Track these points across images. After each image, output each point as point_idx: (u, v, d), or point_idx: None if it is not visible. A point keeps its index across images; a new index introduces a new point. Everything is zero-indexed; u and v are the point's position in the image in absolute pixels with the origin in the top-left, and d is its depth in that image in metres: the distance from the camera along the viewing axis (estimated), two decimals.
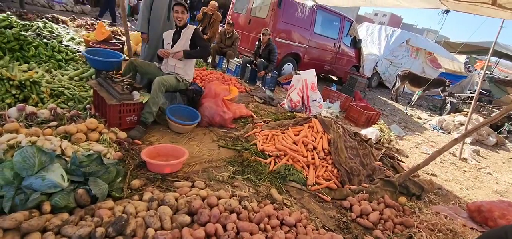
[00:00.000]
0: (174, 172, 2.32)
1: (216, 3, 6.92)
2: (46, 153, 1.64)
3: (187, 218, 1.71)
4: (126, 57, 4.44)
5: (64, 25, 6.69)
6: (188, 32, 3.24)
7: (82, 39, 5.25)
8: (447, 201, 3.14)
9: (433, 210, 2.71)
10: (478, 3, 2.81)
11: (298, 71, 5.49)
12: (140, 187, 2.02)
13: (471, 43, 9.71)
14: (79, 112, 2.75)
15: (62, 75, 3.49)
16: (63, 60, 3.91)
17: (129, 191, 1.95)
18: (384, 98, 9.16)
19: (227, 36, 6.51)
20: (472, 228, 2.54)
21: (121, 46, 4.78)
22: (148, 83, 3.34)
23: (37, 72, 3.20)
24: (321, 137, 3.13)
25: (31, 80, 2.88)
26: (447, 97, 8.66)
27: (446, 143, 3.00)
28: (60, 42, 4.74)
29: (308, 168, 2.83)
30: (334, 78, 9.95)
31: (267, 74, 5.91)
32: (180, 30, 3.27)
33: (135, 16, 12.63)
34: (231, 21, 6.65)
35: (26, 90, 2.81)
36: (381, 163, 3.48)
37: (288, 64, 7.26)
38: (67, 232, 1.39)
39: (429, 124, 7.18)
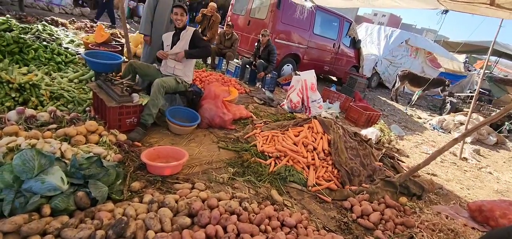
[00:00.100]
0: (174, 174, 2.31)
1: (215, 5, 6.93)
2: (46, 155, 1.64)
3: (188, 220, 1.71)
4: (126, 59, 4.45)
5: (63, 27, 6.69)
6: (187, 34, 3.24)
7: (82, 42, 5.26)
8: (448, 201, 3.13)
9: (434, 210, 2.70)
10: (476, 3, 2.82)
11: (297, 72, 5.49)
12: (140, 189, 2.01)
13: (470, 43, 9.73)
14: (79, 114, 2.75)
15: (62, 78, 3.49)
16: (63, 62, 3.91)
17: (129, 193, 1.94)
18: (384, 99, 9.16)
19: (227, 37, 6.52)
20: (473, 228, 2.53)
21: (120, 48, 4.78)
22: (148, 85, 3.34)
23: (36, 75, 3.20)
24: (321, 138, 3.13)
25: (30, 83, 2.88)
26: (447, 97, 8.66)
27: (447, 142, 3.00)
28: (60, 44, 4.74)
29: (308, 168, 2.83)
30: (334, 78, 9.96)
31: (267, 75, 5.91)
32: (179, 32, 3.27)
33: (134, 18, 12.66)
34: (230, 23, 6.66)
35: (25, 93, 2.81)
36: (381, 163, 3.48)
37: (287, 65, 7.26)
38: (67, 235, 1.39)
39: (429, 124, 7.17)
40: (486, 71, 7.14)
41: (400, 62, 10.54)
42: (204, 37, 6.45)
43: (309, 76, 4.91)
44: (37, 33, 4.88)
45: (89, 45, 4.67)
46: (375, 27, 11.63)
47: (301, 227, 1.94)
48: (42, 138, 2.13)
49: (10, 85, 2.74)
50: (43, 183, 1.54)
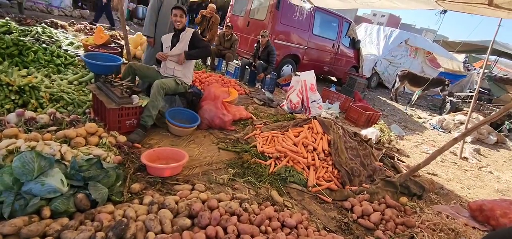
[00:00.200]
0: (174, 175, 2.31)
1: (214, 6, 6.94)
2: (46, 157, 1.64)
3: (188, 221, 1.71)
4: (125, 61, 4.45)
5: (63, 29, 6.70)
6: (187, 35, 3.25)
7: (81, 44, 5.26)
8: (448, 201, 3.13)
9: (434, 210, 2.70)
10: (474, 4, 2.82)
11: (297, 73, 5.50)
12: (140, 191, 2.01)
13: (469, 42, 9.74)
14: (79, 116, 2.75)
15: (61, 80, 3.49)
16: (62, 64, 3.92)
17: (129, 195, 1.94)
18: (383, 98, 9.16)
19: (226, 38, 6.52)
20: (474, 227, 2.53)
21: (120, 50, 4.78)
22: (147, 87, 3.34)
23: (36, 77, 3.20)
24: (321, 138, 3.13)
25: (30, 85, 2.88)
26: (447, 97, 8.67)
27: (447, 142, 3.00)
28: (59, 46, 4.75)
29: (309, 169, 2.83)
30: (334, 79, 9.96)
31: (267, 76, 5.91)
32: (178, 34, 3.27)
33: (134, 20, 12.68)
34: (229, 24, 6.66)
35: (25, 95, 2.81)
36: (381, 163, 3.48)
37: (287, 66, 7.26)
38: (67, 237, 1.39)
39: (429, 124, 7.17)
40: (485, 70, 7.14)
41: (400, 62, 10.55)
42: (204, 38, 6.46)
43: (309, 77, 4.91)
44: (36, 35, 4.88)
45: (89, 47, 4.67)
46: (375, 27, 11.64)
47: (301, 228, 1.94)
48: (42, 140, 2.13)
49: (10, 88, 2.74)
50: (43, 185, 1.54)
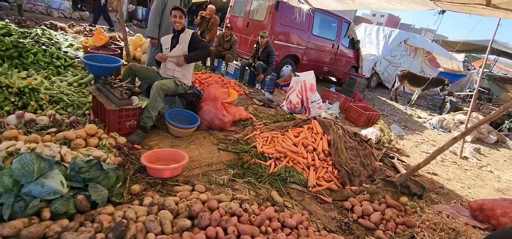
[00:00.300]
0: (174, 176, 2.31)
1: (213, 7, 6.95)
2: (45, 159, 1.64)
3: (188, 222, 1.71)
4: (125, 62, 4.45)
5: (62, 31, 6.70)
6: (186, 36, 3.25)
7: (81, 45, 5.26)
8: (448, 200, 3.13)
9: (434, 210, 2.69)
10: (472, 4, 2.82)
11: (297, 73, 5.50)
12: (140, 192, 2.01)
13: (469, 42, 9.75)
14: (78, 118, 2.75)
15: (61, 82, 3.49)
16: (62, 66, 3.92)
17: (129, 196, 1.94)
18: (383, 98, 9.16)
19: (226, 39, 6.53)
20: (474, 227, 2.53)
21: (119, 51, 4.79)
22: (147, 88, 3.35)
23: (36, 79, 3.20)
24: (321, 138, 3.12)
25: (30, 87, 2.88)
26: (447, 96, 8.67)
27: (447, 141, 2.99)
28: (59, 48, 4.75)
29: (309, 169, 2.83)
30: (333, 79, 9.97)
31: (266, 77, 5.92)
32: (178, 35, 3.28)
33: (133, 21, 12.69)
34: (229, 25, 6.67)
35: (25, 97, 2.81)
36: (381, 163, 3.48)
37: (287, 66, 7.26)
38: None
39: (429, 123, 7.17)
40: (485, 70, 7.15)
41: (399, 62, 10.56)
42: (203, 39, 6.46)
43: (308, 77, 4.91)
44: (36, 37, 4.89)
45: (88, 49, 4.67)
46: (374, 28, 11.65)
47: (301, 228, 1.94)
48: (42, 142, 2.13)
49: (10, 90, 2.74)
50: (43, 187, 1.53)
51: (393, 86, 9.52)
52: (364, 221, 2.30)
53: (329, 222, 2.27)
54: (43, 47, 4.25)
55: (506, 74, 12.27)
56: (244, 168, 2.69)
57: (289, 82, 5.15)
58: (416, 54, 11.16)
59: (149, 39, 4.28)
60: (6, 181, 1.52)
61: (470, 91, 9.99)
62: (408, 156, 4.44)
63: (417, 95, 8.87)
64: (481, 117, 6.56)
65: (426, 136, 6.00)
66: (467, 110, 5.70)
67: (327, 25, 7.99)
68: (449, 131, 6.77)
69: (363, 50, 9.90)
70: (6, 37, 3.76)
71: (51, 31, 5.74)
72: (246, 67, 6.22)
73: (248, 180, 2.52)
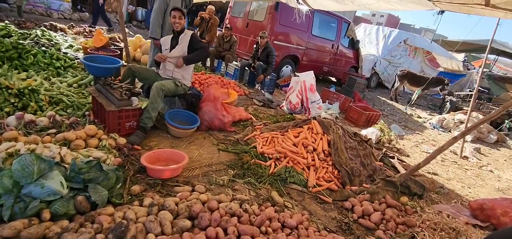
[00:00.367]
0: (174, 177, 2.31)
1: (213, 8, 6.95)
2: (45, 160, 1.64)
3: (188, 223, 1.70)
4: (125, 63, 4.45)
5: (62, 32, 6.71)
6: (185, 37, 3.25)
7: (80, 46, 5.27)
8: (449, 200, 3.12)
9: (435, 209, 2.69)
10: (471, 4, 2.82)
11: (296, 73, 5.50)
12: (140, 193, 2.01)
13: (468, 42, 9.75)
14: (78, 119, 2.75)
15: (61, 83, 3.49)
16: (62, 67, 3.92)
17: (129, 197, 1.94)
18: (383, 98, 9.16)
19: (225, 40, 6.53)
20: (475, 226, 2.52)
21: (119, 52, 4.79)
22: (147, 89, 3.35)
23: (35, 80, 3.21)
24: (321, 138, 3.12)
25: (29, 88, 2.88)
26: (447, 96, 8.67)
27: (447, 141, 2.99)
28: (59, 49, 4.76)
29: (309, 169, 2.82)
30: (333, 79, 9.97)
31: (266, 77, 5.92)
32: (177, 36, 3.28)
33: (133, 22, 12.70)
34: (229, 25, 6.68)
35: (24, 98, 2.81)
36: (381, 163, 3.47)
37: (286, 67, 7.27)
38: None
39: (429, 123, 7.17)
40: (485, 69, 7.15)
41: (399, 62, 10.57)
42: (203, 40, 6.47)
43: (308, 77, 4.92)
44: (36, 38, 4.89)
45: (88, 50, 4.68)
46: (374, 28, 11.66)
47: (302, 228, 1.94)
48: (42, 143, 2.13)
49: (9, 91, 2.74)
50: (43, 188, 1.53)
51: (393, 86, 9.53)
52: (365, 221, 2.30)
53: (329, 222, 2.27)
54: (43, 48, 4.25)
55: (506, 74, 12.26)
56: (244, 169, 2.69)
57: (289, 83, 5.15)
58: (416, 54, 11.17)
59: (150, 41, 4.28)
60: (6, 182, 1.52)
61: (470, 91, 9.98)
62: (408, 156, 4.44)
63: (417, 95, 8.87)
64: (481, 117, 6.56)
65: (426, 136, 6.00)
66: (467, 110, 5.70)
67: (326, 25, 8.00)
68: (449, 131, 6.77)
69: (363, 50, 9.90)
70: (6, 39, 3.76)
71: (51, 32, 5.74)
72: (246, 68, 6.22)
73: (248, 180, 2.52)
